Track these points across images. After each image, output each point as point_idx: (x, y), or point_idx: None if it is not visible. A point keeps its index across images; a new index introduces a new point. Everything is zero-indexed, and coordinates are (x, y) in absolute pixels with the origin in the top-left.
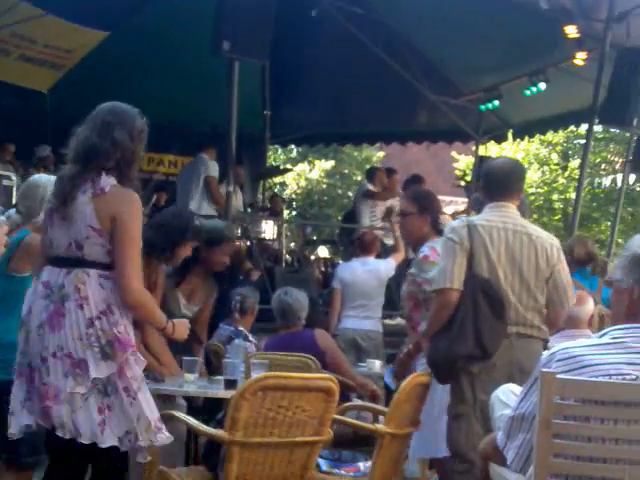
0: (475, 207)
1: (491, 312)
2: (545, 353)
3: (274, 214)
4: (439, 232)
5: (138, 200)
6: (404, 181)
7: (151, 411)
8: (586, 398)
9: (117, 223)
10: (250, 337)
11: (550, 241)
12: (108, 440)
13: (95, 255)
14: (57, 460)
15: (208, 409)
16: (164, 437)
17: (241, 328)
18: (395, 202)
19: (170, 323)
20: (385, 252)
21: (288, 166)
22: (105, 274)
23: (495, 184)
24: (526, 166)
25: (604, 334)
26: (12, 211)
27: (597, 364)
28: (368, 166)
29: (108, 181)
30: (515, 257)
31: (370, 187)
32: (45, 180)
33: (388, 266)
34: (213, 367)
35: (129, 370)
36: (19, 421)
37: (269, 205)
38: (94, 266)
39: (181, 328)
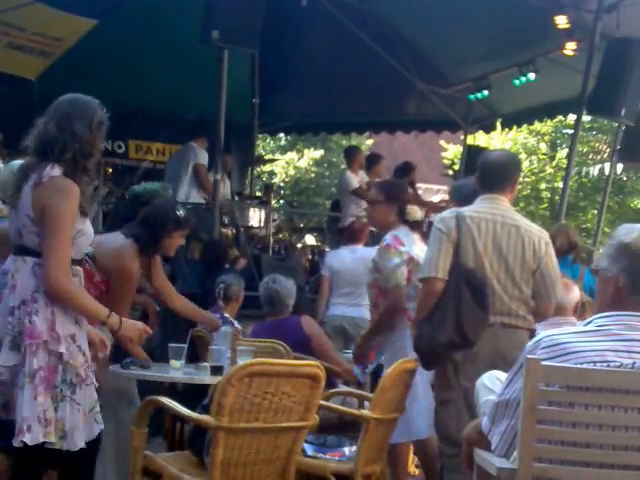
0: (454, 197)
1: (474, 300)
2: (531, 340)
3: (263, 203)
4: (404, 222)
5: (72, 190)
6: (395, 168)
7: (22, 411)
8: (570, 384)
9: (45, 211)
10: (235, 324)
11: (539, 234)
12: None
13: (32, 243)
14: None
15: (190, 394)
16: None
17: (226, 315)
18: None
19: (114, 317)
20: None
21: (278, 155)
22: (40, 262)
23: (489, 176)
24: None
25: (589, 322)
26: None
27: (582, 351)
28: None
29: (50, 172)
30: (502, 248)
31: (351, 176)
32: None
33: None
34: (198, 352)
35: (27, 364)
36: None
37: (258, 194)
38: (32, 254)
39: (131, 328)
